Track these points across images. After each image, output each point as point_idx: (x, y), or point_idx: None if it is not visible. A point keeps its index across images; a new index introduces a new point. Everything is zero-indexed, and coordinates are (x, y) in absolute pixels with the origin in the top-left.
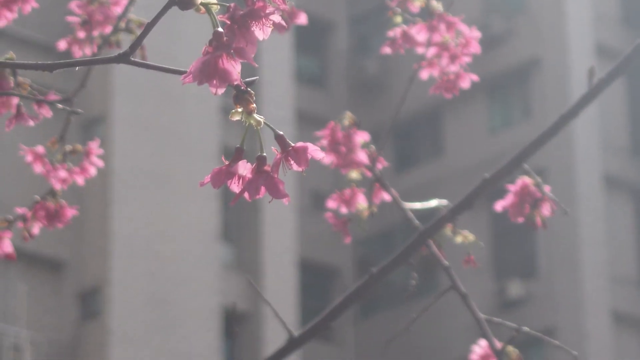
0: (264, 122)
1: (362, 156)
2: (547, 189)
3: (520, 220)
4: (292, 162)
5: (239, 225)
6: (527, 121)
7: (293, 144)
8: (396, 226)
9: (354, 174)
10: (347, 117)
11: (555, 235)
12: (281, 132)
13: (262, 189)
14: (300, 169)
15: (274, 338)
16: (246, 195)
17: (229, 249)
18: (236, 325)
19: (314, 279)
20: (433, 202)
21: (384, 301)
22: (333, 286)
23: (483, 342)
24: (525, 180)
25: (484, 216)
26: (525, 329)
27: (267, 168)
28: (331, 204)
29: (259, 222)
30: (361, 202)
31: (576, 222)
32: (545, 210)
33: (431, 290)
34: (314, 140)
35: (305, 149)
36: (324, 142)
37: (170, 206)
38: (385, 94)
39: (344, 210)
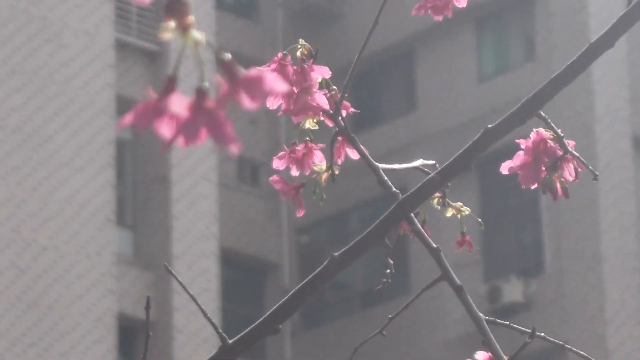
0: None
1: (321, 99)
2: (570, 145)
3: (534, 186)
4: (243, 96)
5: (140, 204)
6: (529, 65)
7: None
8: (351, 206)
9: (309, 123)
10: (301, 47)
11: (567, 217)
12: (229, 56)
13: (203, 131)
14: (253, 106)
15: (187, 355)
16: (181, 140)
17: (127, 236)
18: (147, 335)
19: (241, 275)
20: (416, 162)
21: (331, 308)
22: (266, 285)
23: (482, 354)
24: (541, 132)
25: (470, 194)
26: (541, 335)
27: (209, 104)
28: (277, 163)
29: (167, 200)
30: (319, 161)
31: (597, 198)
32: (569, 173)
33: (397, 291)
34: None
35: (261, 79)
36: None
37: (46, 179)
38: (335, 27)
39: (294, 172)
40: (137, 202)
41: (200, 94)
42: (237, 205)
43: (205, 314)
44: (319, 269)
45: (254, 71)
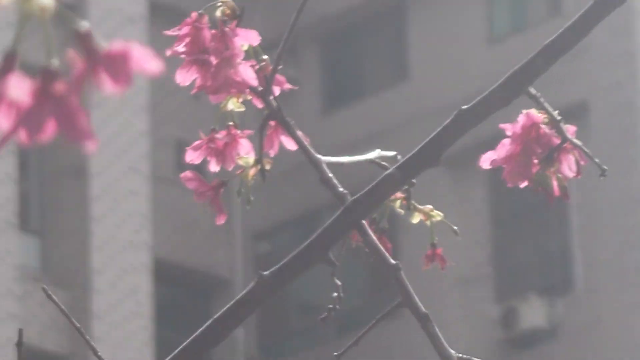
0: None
1: (247, 73)
2: (570, 131)
3: (524, 184)
4: (103, 77)
5: (49, 203)
6: (553, 22)
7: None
8: (321, 206)
9: (233, 104)
10: (222, 5)
11: (603, 219)
12: (86, 25)
13: (50, 123)
14: (117, 90)
15: None
16: (22, 134)
17: (32, 244)
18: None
19: (181, 294)
20: (372, 154)
21: (299, 337)
22: (213, 307)
23: None
24: (532, 115)
25: (479, 190)
26: None
27: (59, 88)
28: (192, 155)
29: (85, 198)
30: (245, 152)
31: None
32: (568, 167)
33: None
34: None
35: (126, 56)
36: (180, 47)
37: None
38: None
39: (214, 166)
40: (45, 200)
41: (47, 75)
42: (175, 205)
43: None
44: (243, 293)
45: (118, 45)
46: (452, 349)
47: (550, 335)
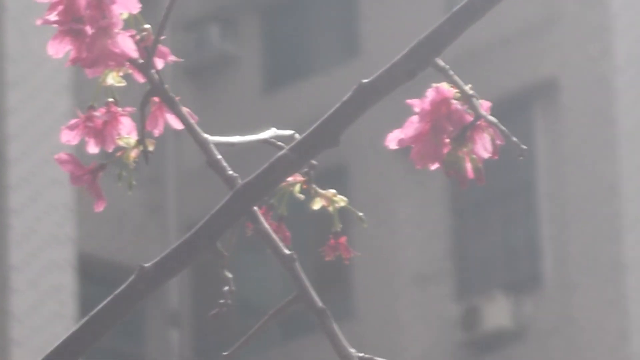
0: None
1: (126, 43)
2: (484, 107)
3: (434, 165)
4: None
5: None
6: None
7: None
8: None
9: (112, 78)
10: None
11: (575, 209)
12: None
13: None
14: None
15: None
16: None
17: None
18: None
19: (108, 294)
20: (267, 133)
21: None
22: (146, 308)
23: None
24: (442, 90)
25: (436, 177)
26: None
27: None
28: (68, 135)
29: (1, 187)
30: (127, 132)
31: (618, 183)
32: (483, 147)
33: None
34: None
35: None
36: (52, 16)
37: None
38: None
39: (92, 147)
40: None
41: None
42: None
43: None
44: (122, 287)
45: None
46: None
47: (517, 337)
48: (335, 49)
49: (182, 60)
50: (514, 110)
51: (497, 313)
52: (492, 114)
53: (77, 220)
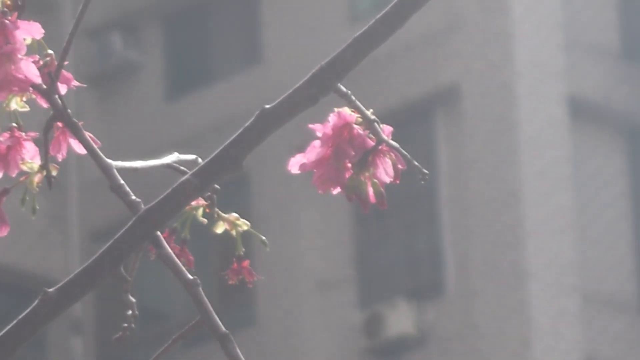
0: None
1: (29, 69)
2: (386, 131)
3: (336, 190)
4: None
5: None
6: None
7: None
8: None
9: (16, 104)
10: None
11: (477, 214)
12: None
13: None
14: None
15: None
16: None
17: None
18: None
19: (10, 302)
20: (169, 158)
21: (143, 347)
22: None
23: None
24: (344, 114)
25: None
26: None
27: None
28: None
29: None
30: (31, 157)
31: (519, 188)
32: (384, 171)
33: (239, 322)
34: None
35: None
36: None
37: None
38: None
39: None
40: None
41: None
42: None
43: None
44: (25, 312)
45: None
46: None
47: (419, 343)
48: (237, 57)
49: (84, 85)
50: (416, 117)
51: (400, 320)
52: (393, 122)
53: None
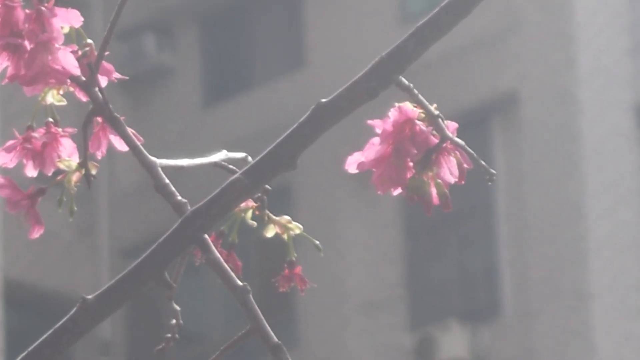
0: None
1: (68, 60)
2: (451, 128)
3: (396, 191)
4: None
5: None
6: None
7: None
8: None
9: (52, 97)
10: None
11: (537, 231)
12: None
13: None
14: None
15: None
16: None
17: None
18: None
19: (36, 322)
20: (217, 155)
21: None
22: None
23: None
24: (406, 109)
25: (388, 197)
26: None
27: None
28: (5, 158)
29: None
30: (68, 154)
31: (583, 203)
32: (449, 171)
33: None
34: None
35: None
36: None
37: None
38: None
39: (30, 171)
40: None
41: None
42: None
43: None
44: (63, 320)
45: None
46: None
47: None
48: (279, 60)
49: (126, 78)
50: (471, 125)
51: (453, 343)
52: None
53: (1, 244)
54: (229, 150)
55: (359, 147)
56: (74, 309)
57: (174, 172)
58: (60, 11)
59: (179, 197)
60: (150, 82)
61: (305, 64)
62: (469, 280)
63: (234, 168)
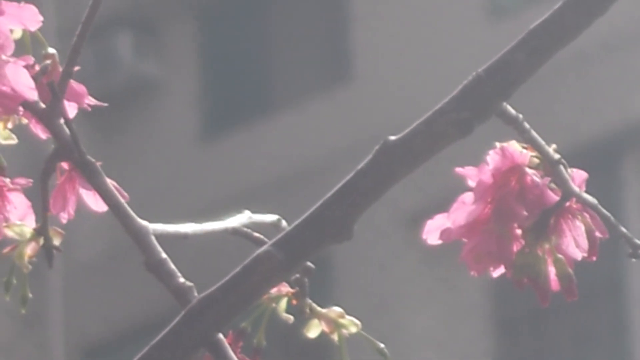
0: None
1: (20, 77)
2: (578, 179)
3: (497, 270)
4: None
5: None
6: None
7: None
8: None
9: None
10: None
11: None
12: None
13: None
14: None
15: None
16: None
17: None
18: None
19: None
20: (237, 218)
21: None
22: None
23: None
24: (511, 151)
25: (474, 279)
26: None
27: None
28: None
29: None
30: (19, 215)
31: None
32: (575, 241)
33: None
34: None
35: None
36: None
37: None
38: None
39: None
40: None
41: None
42: None
43: None
44: None
45: None
46: None
47: None
48: (310, 72)
49: (104, 105)
50: (596, 161)
51: None
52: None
53: None
54: (239, 197)
55: (441, 205)
56: None
57: (174, 241)
58: (8, 7)
59: (182, 279)
60: (126, 100)
61: (349, 77)
62: None
63: (262, 237)
